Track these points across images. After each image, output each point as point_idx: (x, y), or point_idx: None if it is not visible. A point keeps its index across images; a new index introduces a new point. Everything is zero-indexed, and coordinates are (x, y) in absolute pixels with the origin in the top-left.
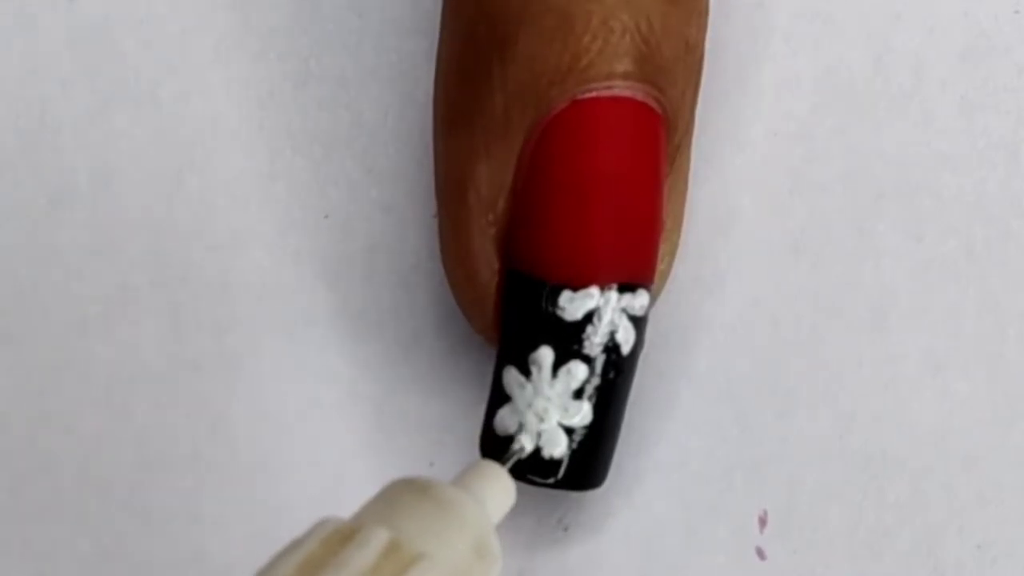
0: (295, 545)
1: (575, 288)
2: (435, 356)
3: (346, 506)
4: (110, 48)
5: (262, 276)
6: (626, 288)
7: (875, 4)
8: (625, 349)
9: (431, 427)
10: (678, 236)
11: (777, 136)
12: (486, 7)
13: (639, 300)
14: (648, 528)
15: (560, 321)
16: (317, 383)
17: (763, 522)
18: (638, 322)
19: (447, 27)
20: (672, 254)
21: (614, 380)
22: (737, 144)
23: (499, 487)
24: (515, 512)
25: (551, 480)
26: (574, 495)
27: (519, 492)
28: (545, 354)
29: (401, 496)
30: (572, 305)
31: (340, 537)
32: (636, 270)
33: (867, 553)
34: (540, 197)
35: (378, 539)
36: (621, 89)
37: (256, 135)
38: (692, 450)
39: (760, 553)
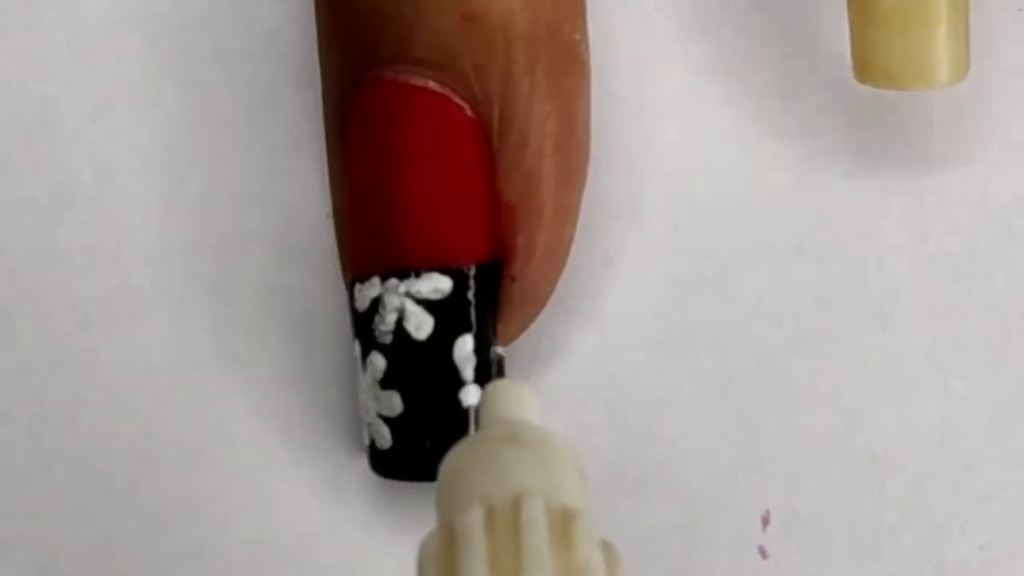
0: (461, 545)
1: (362, 279)
2: None
3: (346, 505)
4: (112, 47)
5: (263, 275)
6: (408, 274)
7: None
8: (419, 335)
9: None
10: (541, 210)
11: (780, 135)
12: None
13: (428, 284)
14: (650, 527)
15: (356, 313)
16: (318, 382)
17: (765, 521)
18: (434, 306)
19: None
20: (533, 229)
21: (416, 367)
22: (740, 143)
23: (532, 398)
24: None
25: (384, 472)
26: None
27: None
28: (356, 348)
29: (500, 455)
30: (360, 296)
31: (503, 518)
32: (423, 255)
33: (869, 552)
34: (348, 198)
35: (537, 510)
36: (390, 75)
37: (258, 134)
38: (694, 449)
39: (762, 552)
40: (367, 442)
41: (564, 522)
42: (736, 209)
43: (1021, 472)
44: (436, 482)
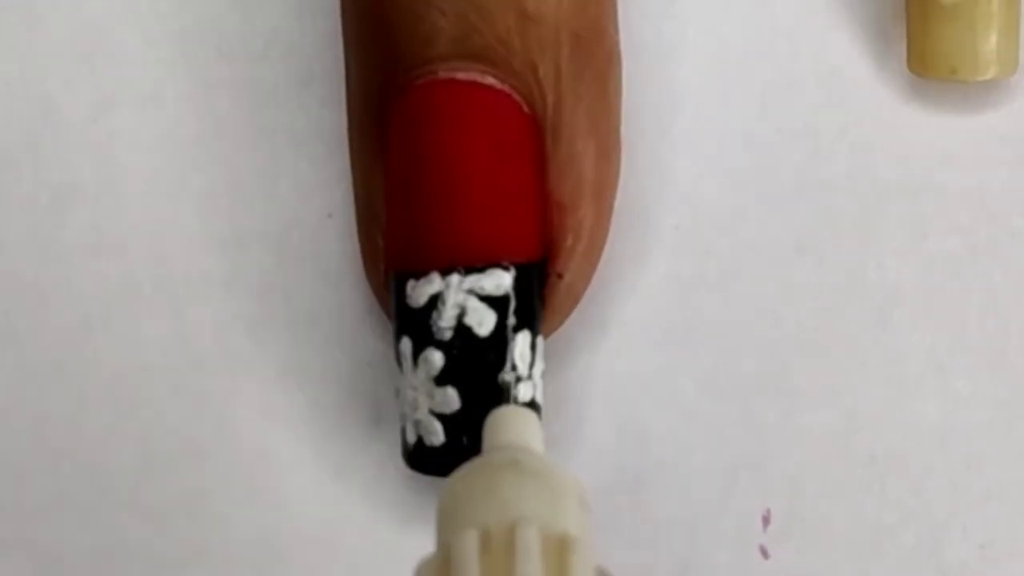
0: (455, 569)
1: (417, 276)
2: None
3: (347, 504)
4: (113, 46)
5: (265, 275)
6: (472, 270)
7: None
8: (481, 331)
9: None
10: (586, 210)
11: (781, 134)
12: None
13: (491, 280)
14: (651, 526)
15: (409, 309)
16: (319, 382)
17: (766, 521)
18: (496, 302)
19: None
20: (579, 228)
21: (475, 363)
22: (741, 142)
23: (536, 425)
24: None
25: (440, 469)
26: None
27: None
28: (405, 344)
29: (501, 481)
30: (415, 292)
31: (498, 543)
32: (483, 251)
33: (870, 552)
34: (389, 191)
35: (532, 538)
36: (445, 72)
37: (259, 134)
38: (695, 448)
39: (763, 552)
40: (412, 439)
41: (560, 550)
42: (736, 209)
43: (1021, 472)
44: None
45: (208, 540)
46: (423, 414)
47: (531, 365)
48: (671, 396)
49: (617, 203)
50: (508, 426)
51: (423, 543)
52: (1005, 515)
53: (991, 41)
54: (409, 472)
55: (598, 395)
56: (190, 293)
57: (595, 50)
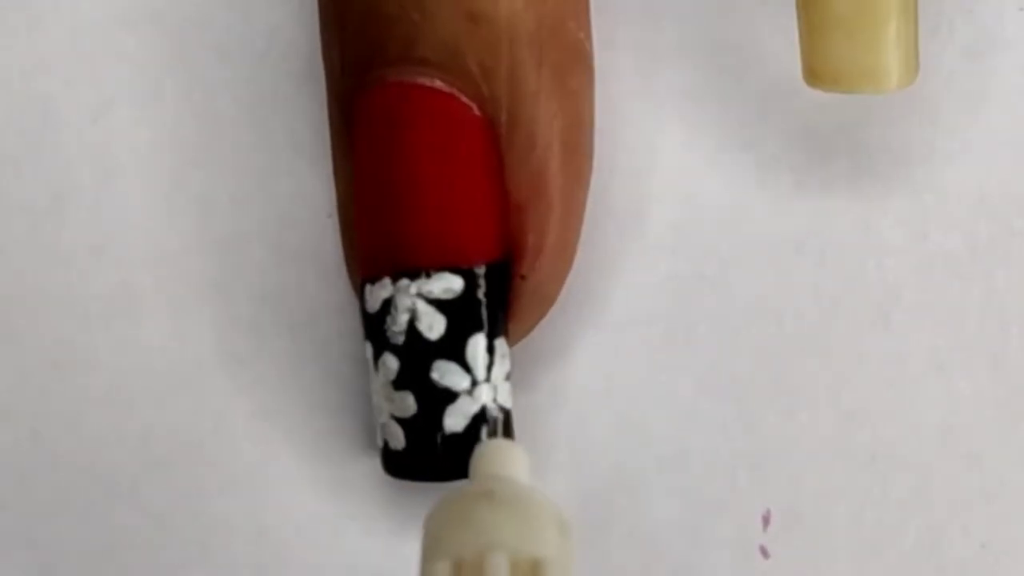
0: None
1: (372, 280)
2: None
3: (348, 503)
4: (112, 46)
5: (264, 275)
6: (419, 274)
7: None
8: (432, 335)
9: None
10: (549, 209)
11: (780, 135)
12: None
13: (440, 284)
14: (651, 526)
15: (367, 315)
16: (319, 382)
17: (766, 520)
18: (445, 306)
19: None
20: (542, 228)
21: (429, 367)
22: (742, 142)
23: (520, 456)
24: None
25: (407, 473)
26: (576, 493)
27: None
28: (368, 349)
29: (474, 511)
30: (371, 297)
31: (469, 572)
32: (433, 254)
33: (870, 551)
34: (355, 198)
35: (501, 564)
36: (394, 76)
37: (258, 133)
38: (695, 448)
39: (763, 551)
40: (380, 444)
41: (532, 574)
42: (736, 209)
43: (1021, 472)
44: (445, 483)
45: (207, 541)
46: (385, 418)
47: (489, 367)
48: (671, 396)
49: (616, 203)
50: (492, 458)
51: (420, 544)
52: (1005, 514)
53: (886, 51)
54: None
55: (598, 395)
56: (189, 293)
57: (554, 45)
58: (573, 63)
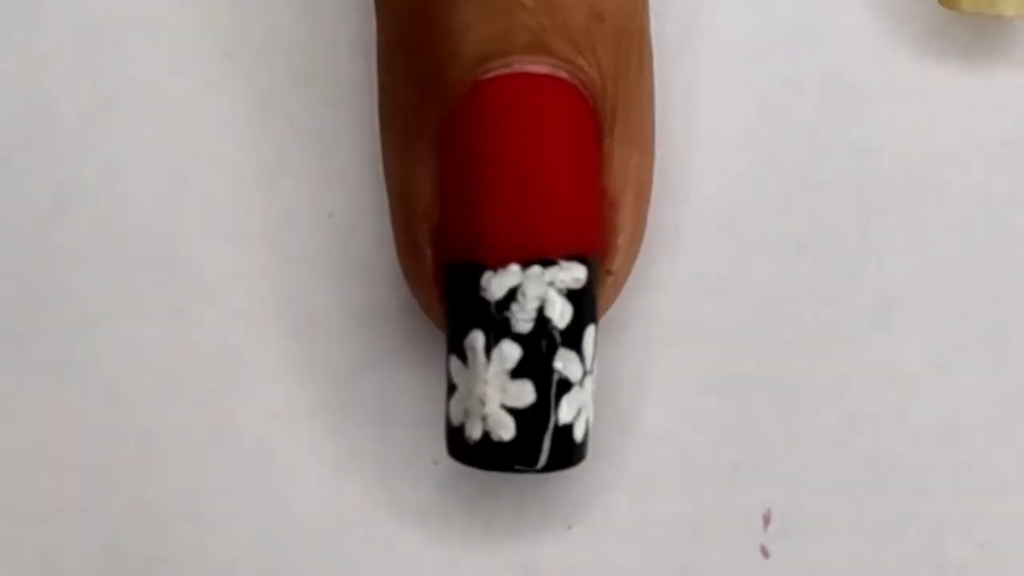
0: None
1: (494, 268)
2: (438, 354)
3: (348, 503)
4: (114, 46)
5: (265, 275)
6: (551, 263)
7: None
8: (560, 324)
9: (434, 425)
10: (631, 207)
11: (782, 133)
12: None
13: (569, 274)
14: (652, 526)
15: (484, 302)
16: (319, 381)
17: (767, 520)
18: (575, 295)
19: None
20: (626, 225)
21: (552, 356)
22: (742, 142)
23: None
24: (519, 510)
25: (505, 464)
26: (576, 492)
27: (521, 490)
28: (476, 337)
29: None
30: (493, 285)
31: None
32: (562, 244)
33: (870, 551)
34: (454, 185)
35: None
36: (521, 64)
37: (260, 133)
38: (696, 448)
39: (764, 551)
40: (476, 435)
41: None
42: (736, 209)
43: (1021, 472)
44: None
45: (208, 541)
46: (493, 408)
47: (593, 359)
48: (671, 396)
49: None
50: None
51: (423, 543)
52: (1006, 514)
53: None
54: (408, 472)
55: (599, 395)
56: (190, 293)
57: (640, 47)
58: (649, 64)
